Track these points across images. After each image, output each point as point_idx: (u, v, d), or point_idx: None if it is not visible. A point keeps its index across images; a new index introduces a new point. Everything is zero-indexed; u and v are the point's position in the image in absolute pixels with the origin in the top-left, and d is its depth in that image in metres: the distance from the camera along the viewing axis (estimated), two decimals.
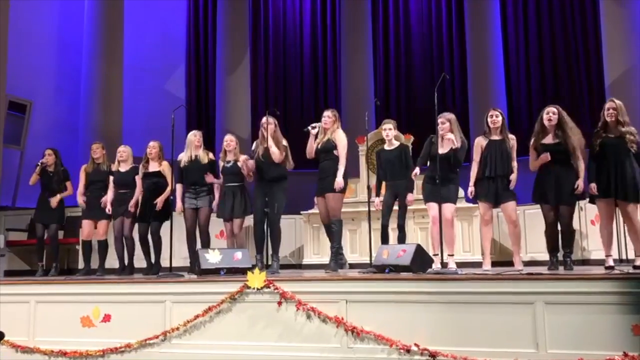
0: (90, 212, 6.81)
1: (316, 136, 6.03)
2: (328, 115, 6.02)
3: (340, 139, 5.97)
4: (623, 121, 5.16)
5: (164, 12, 11.50)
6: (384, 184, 6.12)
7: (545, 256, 5.59)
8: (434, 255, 5.50)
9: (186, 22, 11.81)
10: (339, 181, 5.85)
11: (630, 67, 8.82)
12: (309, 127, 5.98)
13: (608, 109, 5.23)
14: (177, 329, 4.63)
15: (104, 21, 10.21)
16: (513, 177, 5.66)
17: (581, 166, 5.36)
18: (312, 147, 6.03)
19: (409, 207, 6.21)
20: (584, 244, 7.40)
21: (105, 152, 6.99)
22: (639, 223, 5.21)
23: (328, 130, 5.98)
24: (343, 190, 5.97)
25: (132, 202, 6.60)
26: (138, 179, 6.64)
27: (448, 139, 5.58)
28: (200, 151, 6.50)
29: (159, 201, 6.43)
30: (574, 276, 4.04)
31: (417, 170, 5.82)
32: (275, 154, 5.92)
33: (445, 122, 5.67)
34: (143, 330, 4.70)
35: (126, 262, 6.73)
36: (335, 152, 5.93)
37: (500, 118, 5.75)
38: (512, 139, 5.77)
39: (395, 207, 6.07)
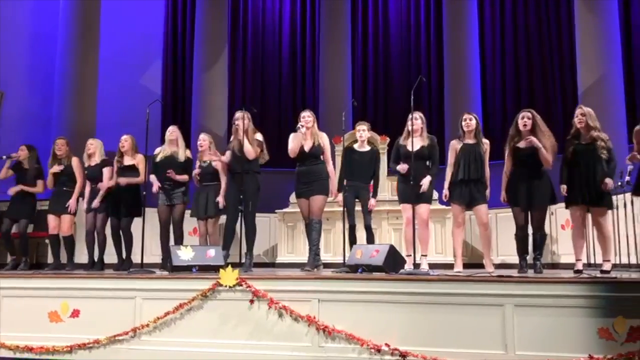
0: (54, 206, 6.73)
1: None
2: (308, 115, 6.00)
3: (327, 143, 6.03)
4: (594, 127, 5.25)
5: (141, 6, 11.36)
6: (345, 182, 6.15)
7: (516, 259, 5.66)
8: (407, 256, 5.54)
9: (164, 16, 11.68)
10: (334, 189, 6.03)
11: (602, 75, 8.99)
12: (299, 126, 5.90)
13: (577, 116, 5.33)
14: (147, 325, 4.57)
15: (79, 13, 10.03)
16: (486, 181, 5.73)
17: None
18: (297, 147, 5.91)
19: (381, 208, 6.26)
20: (554, 248, 7.52)
21: (69, 147, 6.87)
22: (608, 229, 5.31)
23: (311, 131, 5.95)
24: (327, 193, 6.02)
25: (98, 197, 6.50)
26: (106, 172, 6.55)
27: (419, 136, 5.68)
28: (178, 148, 6.45)
29: (123, 181, 6.37)
30: (543, 279, 4.09)
31: (404, 165, 5.82)
32: (249, 151, 5.88)
33: (418, 118, 5.76)
34: (112, 326, 4.63)
35: (96, 257, 6.64)
36: (321, 157, 5.97)
37: (474, 122, 5.83)
38: (485, 143, 5.84)
39: (358, 208, 6.11)
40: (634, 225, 6.24)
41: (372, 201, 6.13)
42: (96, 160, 6.67)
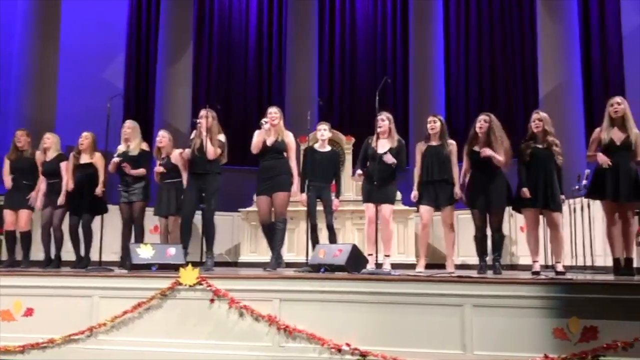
0: (11, 201, 6.52)
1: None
2: (275, 111, 5.91)
3: (292, 141, 5.95)
4: (550, 131, 5.37)
5: None
6: (306, 182, 6.15)
7: (476, 260, 5.74)
8: (369, 255, 5.56)
9: (127, 8, 11.45)
10: (296, 187, 5.92)
11: (562, 81, 9.23)
12: (263, 122, 5.84)
13: (534, 120, 5.45)
14: (104, 324, 4.48)
15: (39, 3, 9.75)
16: (455, 182, 5.78)
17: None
18: (260, 142, 5.83)
19: (345, 208, 6.28)
20: (513, 249, 7.66)
21: (30, 139, 6.69)
22: (561, 231, 5.44)
23: (276, 127, 5.91)
24: (290, 189, 5.95)
25: (62, 195, 6.35)
26: (64, 167, 6.40)
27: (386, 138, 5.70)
28: (132, 142, 6.33)
29: (99, 190, 6.22)
30: (501, 280, 4.17)
31: (359, 171, 5.87)
32: (210, 151, 5.78)
33: (385, 119, 5.77)
34: (68, 325, 4.52)
35: (53, 254, 6.47)
36: (284, 152, 5.90)
37: (438, 124, 5.89)
38: (451, 144, 5.90)
39: (320, 207, 6.11)
40: (590, 228, 6.40)
41: (336, 201, 6.13)
42: (51, 155, 6.51)
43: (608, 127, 5.19)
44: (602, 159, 5.10)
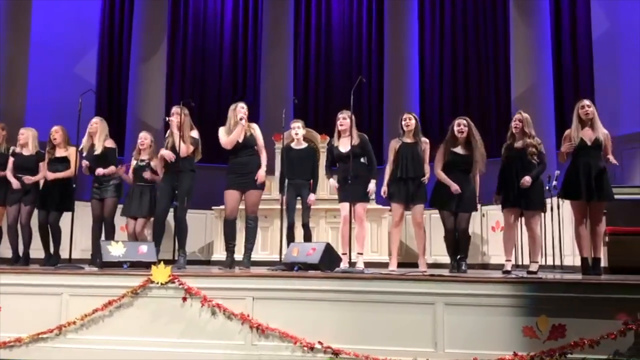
0: None
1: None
2: (242, 106, 5.87)
3: (260, 134, 5.90)
4: (529, 133, 5.46)
5: None
6: (286, 181, 6.14)
7: (448, 259, 5.81)
8: (343, 254, 5.58)
9: (101, 2, 11.26)
10: (262, 174, 5.77)
11: (534, 83, 9.39)
12: (239, 118, 5.74)
13: (514, 120, 5.54)
14: (74, 323, 4.40)
15: None
16: (425, 180, 5.86)
17: (476, 178, 5.67)
18: (236, 138, 5.76)
19: (320, 207, 6.29)
20: (484, 249, 7.76)
21: (5, 133, 6.56)
22: (538, 232, 5.54)
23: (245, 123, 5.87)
24: (263, 187, 5.92)
25: (31, 179, 6.22)
26: (42, 166, 6.29)
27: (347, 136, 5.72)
28: (96, 139, 6.24)
29: (56, 175, 6.15)
30: (472, 279, 4.22)
31: (334, 182, 5.95)
32: (182, 149, 5.72)
33: (347, 117, 5.79)
34: (36, 324, 4.43)
35: (21, 252, 6.34)
36: (255, 147, 5.86)
37: (413, 122, 5.95)
38: (425, 142, 5.97)
39: (299, 206, 6.12)
40: (560, 228, 6.51)
41: (311, 196, 6.14)
42: (30, 150, 6.38)
43: (578, 127, 5.30)
44: (566, 147, 5.23)
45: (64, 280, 4.59)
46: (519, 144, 5.47)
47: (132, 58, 10.57)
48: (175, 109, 5.84)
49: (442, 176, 5.63)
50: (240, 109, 5.83)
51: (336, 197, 6.26)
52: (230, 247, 5.82)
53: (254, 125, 5.95)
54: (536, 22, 9.61)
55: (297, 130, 6.22)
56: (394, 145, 6.01)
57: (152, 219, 6.34)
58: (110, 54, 11.29)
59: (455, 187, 5.52)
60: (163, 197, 5.84)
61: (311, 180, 6.23)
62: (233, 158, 5.85)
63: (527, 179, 5.29)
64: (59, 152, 6.31)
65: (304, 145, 6.30)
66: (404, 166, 5.82)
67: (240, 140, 5.78)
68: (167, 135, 5.99)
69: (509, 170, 5.47)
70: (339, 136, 5.83)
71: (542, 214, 5.74)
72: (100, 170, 6.12)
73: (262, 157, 5.87)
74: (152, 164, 6.36)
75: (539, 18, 9.62)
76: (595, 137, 5.23)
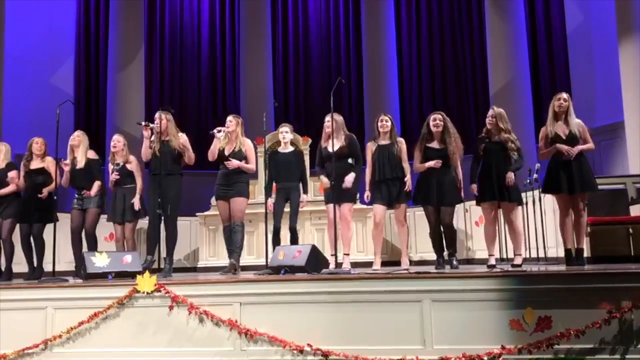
0: None
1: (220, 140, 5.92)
2: (230, 119, 5.98)
3: (251, 149, 6.01)
4: (505, 128, 5.49)
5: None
6: (274, 186, 6.14)
7: (434, 256, 5.83)
8: (331, 255, 5.58)
9: (76, 11, 11.16)
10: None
11: (511, 79, 9.48)
12: (214, 131, 5.87)
13: (488, 117, 5.57)
14: (60, 336, 4.36)
15: None
16: (407, 180, 5.87)
17: (458, 170, 5.68)
18: (215, 150, 5.91)
19: (305, 209, 6.27)
20: (469, 244, 7.81)
21: None
22: (518, 224, 5.58)
23: (233, 134, 5.91)
24: (247, 195, 5.99)
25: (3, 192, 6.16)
26: (13, 175, 6.21)
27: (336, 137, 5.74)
28: (78, 152, 6.19)
29: (45, 191, 6.10)
30: (457, 274, 4.24)
31: (324, 179, 5.92)
32: (190, 159, 5.87)
33: (329, 120, 5.80)
34: (21, 339, 4.37)
35: (3, 266, 6.25)
36: (244, 161, 5.92)
37: (389, 123, 5.96)
38: (401, 142, 5.97)
39: (287, 209, 6.10)
40: (542, 220, 6.58)
41: (303, 197, 6.11)
42: (2, 164, 6.30)
43: (552, 121, 5.35)
44: (562, 147, 5.23)
45: (48, 293, 4.54)
46: (496, 138, 5.50)
47: (110, 67, 10.49)
48: (157, 115, 5.82)
49: (422, 166, 5.64)
50: (227, 122, 5.91)
51: (321, 198, 6.26)
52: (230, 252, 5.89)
53: (246, 141, 6.01)
54: (511, 17, 9.72)
55: (285, 135, 6.20)
56: (370, 148, 6.02)
57: (139, 221, 6.37)
58: (87, 64, 11.21)
59: (432, 163, 5.50)
60: (153, 204, 5.80)
61: (301, 183, 6.20)
62: (221, 168, 5.96)
63: (511, 177, 5.32)
64: (35, 164, 6.25)
65: (291, 148, 6.28)
66: (381, 168, 5.82)
67: (227, 153, 5.88)
68: (152, 140, 5.94)
69: (487, 164, 5.48)
70: (328, 137, 5.84)
71: (520, 207, 5.76)
72: (87, 192, 6.13)
73: (248, 167, 5.93)
74: (128, 166, 6.32)
75: (514, 13, 9.73)
76: (569, 130, 5.28)
